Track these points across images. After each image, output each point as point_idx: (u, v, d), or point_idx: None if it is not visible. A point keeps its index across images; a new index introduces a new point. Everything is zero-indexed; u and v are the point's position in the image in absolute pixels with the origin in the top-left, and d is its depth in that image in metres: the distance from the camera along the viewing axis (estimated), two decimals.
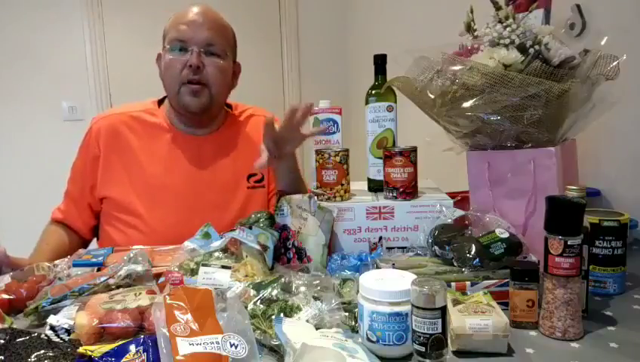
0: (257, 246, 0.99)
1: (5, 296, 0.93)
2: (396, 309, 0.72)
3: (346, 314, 0.81)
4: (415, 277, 0.73)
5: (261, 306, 0.79)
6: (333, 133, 1.20)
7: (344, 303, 0.83)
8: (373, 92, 1.18)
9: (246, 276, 0.91)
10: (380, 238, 1.08)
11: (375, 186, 1.20)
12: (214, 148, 1.30)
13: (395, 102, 1.17)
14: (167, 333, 0.66)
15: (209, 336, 0.67)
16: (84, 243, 1.36)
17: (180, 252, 1.00)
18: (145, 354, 0.66)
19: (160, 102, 1.36)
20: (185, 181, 1.26)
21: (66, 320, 0.78)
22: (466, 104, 0.96)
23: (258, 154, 1.31)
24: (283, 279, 0.86)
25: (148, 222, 1.24)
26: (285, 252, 1.05)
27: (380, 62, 1.19)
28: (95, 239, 1.38)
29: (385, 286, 0.73)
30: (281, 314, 0.78)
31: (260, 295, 0.82)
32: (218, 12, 1.27)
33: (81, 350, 0.68)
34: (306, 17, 3.24)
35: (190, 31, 1.19)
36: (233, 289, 0.84)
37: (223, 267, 0.92)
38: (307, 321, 0.77)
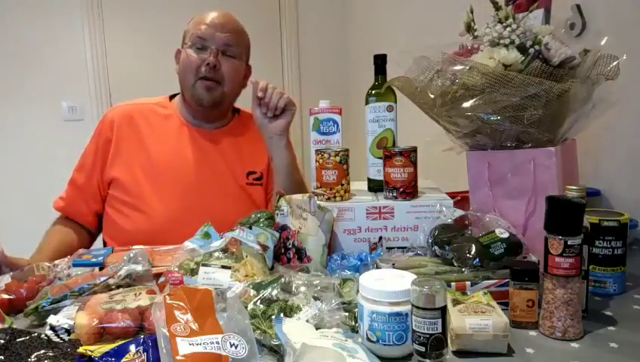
0: (257, 246, 0.99)
1: (5, 296, 0.93)
2: (396, 309, 0.72)
3: (346, 314, 0.81)
4: (415, 277, 0.73)
5: (261, 306, 0.79)
6: (334, 133, 1.20)
7: (344, 303, 0.82)
8: (373, 92, 1.18)
9: (246, 276, 0.91)
10: (380, 238, 1.08)
11: (375, 186, 1.20)
12: (219, 143, 1.38)
13: (395, 102, 1.17)
14: (167, 333, 0.66)
15: (209, 336, 0.67)
16: (90, 236, 1.40)
17: (180, 252, 1.00)
18: (145, 354, 0.66)
19: (171, 98, 1.44)
20: (189, 169, 1.33)
21: (66, 320, 0.78)
22: (466, 104, 0.96)
23: (260, 153, 1.38)
24: (283, 279, 0.86)
25: (152, 206, 1.29)
26: (285, 252, 1.05)
27: (380, 62, 1.19)
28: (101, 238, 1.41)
29: (385, 286, 0.73)
30: (281, 314, 0.78)
31: (260, 295, 0.82)
32: (237, 19, 1.37)
33: (81, 350, 0.68)
34: (306, 17, 3.24)
35: (211, 31, 1.29)
36: (233, 289, 0.84)
37: (223, 267, 0.92)
38: (307, 321, 0.77)
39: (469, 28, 1.05)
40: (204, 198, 1.32)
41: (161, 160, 1.32)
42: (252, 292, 0.83)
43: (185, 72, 1.31)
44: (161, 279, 0.94)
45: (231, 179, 1.36)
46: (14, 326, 0.80)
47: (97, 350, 0.67)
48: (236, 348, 0.66)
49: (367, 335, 0.74)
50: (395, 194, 1.10)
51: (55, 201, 1.37)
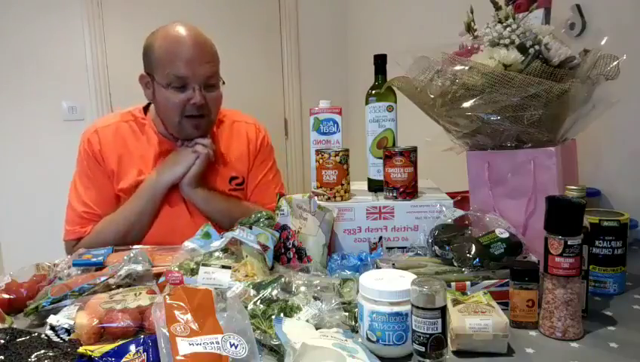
0: (257, 246, 0.99)
1: (5, 296, 0.93)
2: (396, 309, 0.72)
3: (346, 314, 0.81)
4: (415, 277, 0.73)
5: (261, 306, 0.79)
6: (334, 133, 1.20)
7: (344, 303, 0.83)
8: (373, 92, 1.18)
9: (246, 276, 0.91)
10: (380, 238, 1.08)
11: (375, 186, 1.20)
12: None
13: (395, 102, 1.17)
14: (167, 333, 0.66)
15: (209, 336, 0.67)
16: None
17: (180, 252, 1.00)
18: (145, 354, 0.66)
19: (145, 108, 1.38)
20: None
21: (66, 320, 0.78)
22: (466, 104, 0.96)
23: (240, 159, 1.38)
24: (283, 279, 0.86)
25: None
26: (285, 252, 1.05)
27: (380, 62, 1.19)
28: None
29: (385, 286, 0.73)
30: (281, 314, 0.78)
31: (260, 295, 0.82)
32: (201, 31, 1.26)
33: (81, 350, 0.69)
34: (306, 17, 3.23)
35: (190, 69, 1.19)
36: (233, 289, 0.84)
37: (223, 267, 0.92)
38: (307, 321, 0.77)
39: (469, 28, 1.06)
40: (192, 208, 1.31)
41: (144, 176, 1.29)
42: (252, 292, 0.83)
43: (167, 112, 1.25)
44: (161, 279, 0.94)
45: (215, 188, 1.34)
46: (14, 326, 0.80)
47: (97, 350, 0.67)
48: (236, 348, 0.66)
49: (367, 335, 0.74)
50: (395, 194, 1.10)
51: (68, 233, 1.30)
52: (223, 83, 1.30)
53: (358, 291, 0.77)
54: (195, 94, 1.20)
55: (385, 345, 0.72)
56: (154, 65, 1.23)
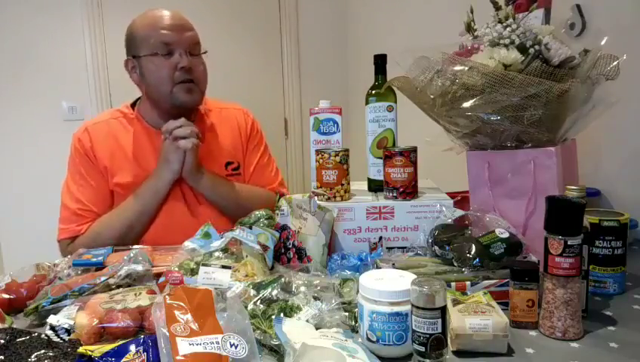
0: (257, 246, 0.99)
1: (5, 296, 0.93)
2: (396, 309, 0.72)
3: (346, 314, 0.81)
4: (415, 277, 0.73)
5: (261, 306, 0.80)
6: (334, 133, 1.20)
7: (344, 303, 0.83)
8: (373, 92, 1.18)
9: (246, 276, 0.91)
10: (380, 238, 1.08)
11: (375, 186, 1.20)
12: None
13: (395, 102, 1.17)
14: (167, 333, 0.66)
15: (209, 336, 0.67)
16: None
17: (180, 252, 1.00)
18: (145, 354, 0.66)
19: (132, 105, 1.38)
20: None
21: (66, 320, 0.78)
22: (466, 104, 0.96)
23: (233, 145, 1.38)
24: (283, 279, 0.86)
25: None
26: (285, 252, 1.05)
27: (380, 62, 1.19)
28: None
29: (385, 286, 0.73)
30: (281, 314, 0.78)
31: (260, 295, 0.82)
32: None
33: (81, 350, 0.69)
34: (306, 17, 3.23)
35: (175, 34, 1.23)
36: (233, 289, 0.84)
37: (223, 267, 0.93)
38: (307, 321, 0.77)
39: (469, 28, 1.06)
40: (191, 205, 1.31)
41: (141, 170, 1.29)
42: (252, 292, 0.83)
43: (158, 82, 1.24)
44: (161, 279, 0.94)
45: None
46: (14, 326, 0.80)
47: (97, 350, 0.67)
48: (236, 348, 0.66)
49: (367, 335, 0.74)
50: (395, 194, 1.10)
51: (62, 232, 1.29)
52: (205, 52, 1.31)
53: (358, 291, 0.77)
54: (182, 58, 1.22)
55: (385, 345, 0.72)
56: (138, 44, 1.25)
